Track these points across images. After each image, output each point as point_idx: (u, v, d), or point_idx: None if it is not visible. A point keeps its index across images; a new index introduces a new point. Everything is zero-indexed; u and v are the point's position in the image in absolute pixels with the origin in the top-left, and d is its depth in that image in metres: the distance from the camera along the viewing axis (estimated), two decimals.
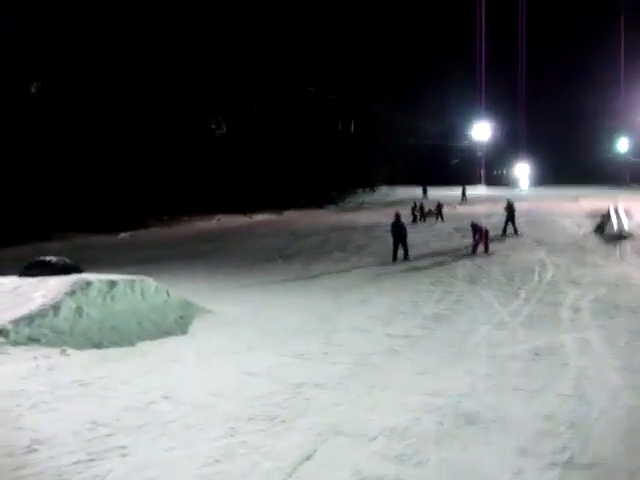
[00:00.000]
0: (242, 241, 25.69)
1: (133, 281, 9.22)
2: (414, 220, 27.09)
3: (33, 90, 35.98)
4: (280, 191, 41.61)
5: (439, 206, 27.48)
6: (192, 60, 38.24)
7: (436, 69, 52.72)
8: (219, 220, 36.82)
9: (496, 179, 57.89)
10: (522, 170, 57.31)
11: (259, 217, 36.80)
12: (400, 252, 17.44)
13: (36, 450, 4.11)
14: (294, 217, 35.29)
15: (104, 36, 35.18)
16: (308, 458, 4.10)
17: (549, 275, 13.21)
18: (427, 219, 27.25)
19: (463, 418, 4.88)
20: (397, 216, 18.38)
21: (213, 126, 42.30)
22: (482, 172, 56.78)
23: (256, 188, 40.71)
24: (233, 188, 40.32)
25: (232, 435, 4.50)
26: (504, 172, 61.79)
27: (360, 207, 42.04)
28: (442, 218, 26.52)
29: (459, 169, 58.04)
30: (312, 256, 19.35)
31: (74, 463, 3.90)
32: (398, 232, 17.82)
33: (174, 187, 39.25)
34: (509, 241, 19.04)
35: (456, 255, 16.97)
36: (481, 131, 56.92)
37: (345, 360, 6.97)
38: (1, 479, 3.67)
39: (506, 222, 20.51)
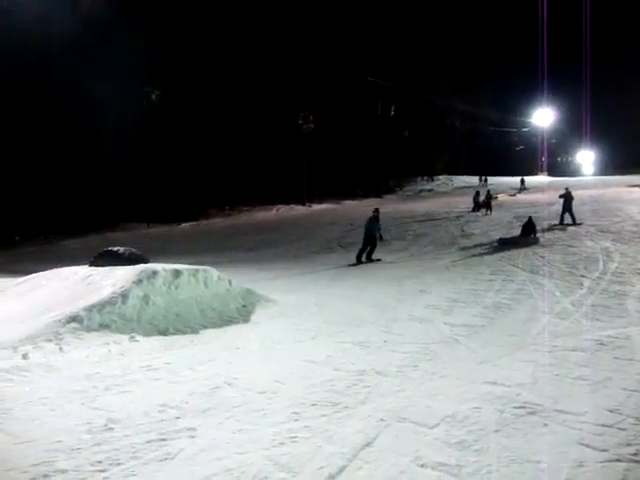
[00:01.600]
0: (301, 231, 25.91)
1: (197, 270, 9.49)
2: (473, 209, 26.83)
3: (153, 97, 39.16)
4: (339, 181, 41.80)
5: (489, 197, 27.04)
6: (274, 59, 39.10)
7: (497, 53, 51.60)
8: (278, 210, 37.22)
9: (559, 167, 56.34)
10: (586, 157, 55.60)
11: (318, 207, 37.02)
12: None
13: (112, 429, 4.34)
14: (352, 207, 35.32)
15: (205, 43, 37.08)
16: (369, 444, 4.17)
17: (614, 265, 12.80)
18: (480, 210, 26.85)
19: (524, 408, 4.86)
20: (376, 211, 17.33)
21: (300, 122, 42.76)
22: (544, 160, 55.36)
23: (315, 178, 40.98)
24: (292, 179, 40.66)
25: (296, 420, 4.63)
26: (567, 160, 60.08)
27: (418, 196, 41.78)
28: (491, 210, 26.05)
29: (520, 157, 56.76)
30: None
31: (147, 442, 4.10)
32: (371, 229, 16.52)
33: (235, 178, 39.87)
34: (571, 230, 18.57)
35: (517, 244, 16.66)
36: (543, 117, 55.38)
37: (405, 349, 7.01)
38: (84, 453, 3.90)
39: (563, 211, 20.02)
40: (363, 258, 16.21)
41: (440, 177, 52.15)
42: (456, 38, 51.06)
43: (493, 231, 20.38)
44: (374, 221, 16.76)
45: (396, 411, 4.83)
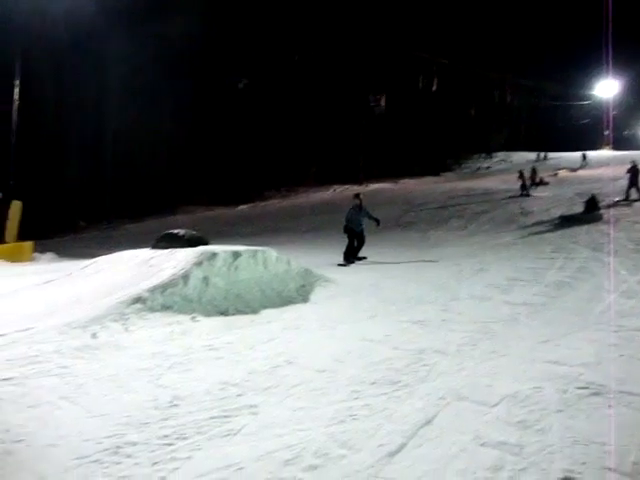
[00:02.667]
0: None
1: (256, 251, 9.61)
2: (522, 192, 25.60)
3: (241, 86, 40.12)
4: (395, 160, 41.46)
5: (534, 175, 26.02)
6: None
7: (558, 24, 49.81)
8: (335, 191, 37.23)
9: (624, 140, 54.19)
10: None
11: (374, 186, 36.85)
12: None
13: (177, 405, 4.48)
14: (410, 185, 35.04)
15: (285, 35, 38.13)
16: (429, 422, 4.18)
17: None
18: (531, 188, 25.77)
19: (587, 389, 4.76)
20: (356, 197, 14.46)
21: (372, 104, 42.78)
22: (608, 133, 53.33)
23: (371, 158, 40.78)
24: (349, 158, 40.60)
25: (355, 398, 4.67)
26: (633, 133, 57.82)
27: (477, 174, 41.10)
28: (537, 186, 25.22)
29: (583, 131, 54.84)
30: (429, 224, 19.25)
31: (210, 418, 4.22)
32: (352, 221, 13.70)
33: (291, 159, 40.10)
34: (638, 206, 17.95)
35: (579, 221, 16.23)
36: (607, 89, 53.24)
37: (464, 328, 6.97)
38: (152, 428, 4.06)
39: (629, 186, 19.35)
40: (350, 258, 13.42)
41: (499, 154, 50.99)
42: (515, 9, 49.58)
43: (554, 208, 19.91)
44: (356, 210, 13.96)
45: (456, 390, 4.81)
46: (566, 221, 16.62)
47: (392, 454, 3.69)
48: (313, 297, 9.23)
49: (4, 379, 5.06)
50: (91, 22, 33.75)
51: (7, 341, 6.35)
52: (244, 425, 4.12)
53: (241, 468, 3.49)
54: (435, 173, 42.20)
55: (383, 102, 42.37)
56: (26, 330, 6.77)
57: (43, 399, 4.62)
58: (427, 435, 3.97)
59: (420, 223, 19.96)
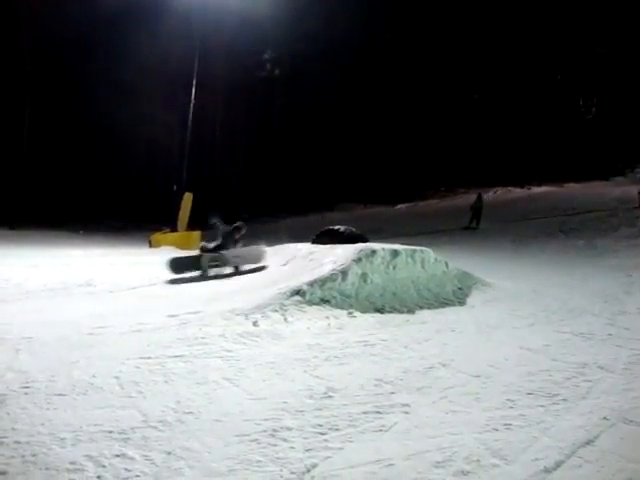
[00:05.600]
0: (520, 214, 24.93)
1: (414, 251, 9.60)
2: None
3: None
4: (561, 162, 39.23)
5: None
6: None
7: None
8: (496, 193, 36.08)
9: None
10: None
11: (537, 190, 35.20)
12: None
13: (331, 397, 4.60)
14: (575, 189, 33.06)
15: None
16: (590, 442, 3.90)
17: None
18: None
19: None
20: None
21: (583, 110, 41.41)
22: None
23: (535, 160, 38.97)
24: (511, 160, 39.11)
25: (510, 407, 4.51)
26: None
27: None
28: None
29: None
30: (596, 231, 18.06)
31: (363, 413, 4.29)
32: None
33: (453, 159, 39.45)
34: None
35: None
36: None
37: (634, 345, 6.45)
38: (306, 416, 4.21)
39: None
40: None
41: None
42: None
43: None
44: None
45: (622, 411, 4.47)
46: None
47: (548, 470, 3.49)
48: (470, 300, 9.05)
49: (176, 356, 5.53)
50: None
51: (179, 322, 6.91)
52: (396, 423, 4.13)
53: (391, 464, 3.51)
54: (604, 177, 39.38)
55: (594, 108, 40.19)
56: (195, 313, 7.30)
57: (209, 378, 4.96)
58: (587, 456, 3.71)
59: (585, 230, 18.74)
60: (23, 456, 3.44)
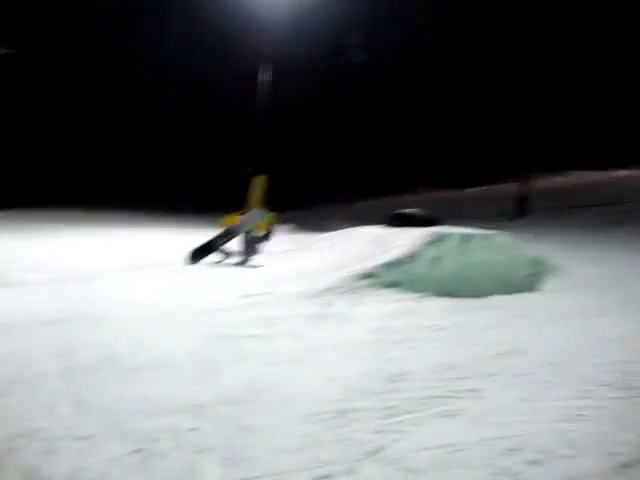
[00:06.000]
0: (600, 199, 24.05)
1: (488, 235, 9.43)
2: None
3: None
4: None
5: None
6: None
7: None
8: (571, 176, 34.76)
9: None
10: None
11: (619, 173, 33.59)
12: None
13: (401, 380, 4.62)
14: None
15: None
16: None
17: None
18: None
19: None
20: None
21: None
22: None
23: (619, 140, 37.01)
24: (592, 141, 37.35)
25: (585, 398, 4.39)
26: None
27: None
28: None
29: None
30: None
31: (433, 397, 4.28)
32: None
33: (527, 143, 38.14)
34: None
35: None
36: None
37: None
38: (377, 397, 4.25)
39: None
40: None
41: None
42: None
43: None
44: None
45: None
46: None
47: (626, 466, 3.35)
48: (545, 286, 8.85)
49: (250, 335, 5.68)
50: None
51: (253, 302, 7.08)
52: (466, 408, 4.11)
53: (460, 450, 3.49)
54: None
55: None
56: (268, 294, 7.45)
57: (280, 357, 5.07)
58: None
59: None
60: (106, 424, 3.63)
